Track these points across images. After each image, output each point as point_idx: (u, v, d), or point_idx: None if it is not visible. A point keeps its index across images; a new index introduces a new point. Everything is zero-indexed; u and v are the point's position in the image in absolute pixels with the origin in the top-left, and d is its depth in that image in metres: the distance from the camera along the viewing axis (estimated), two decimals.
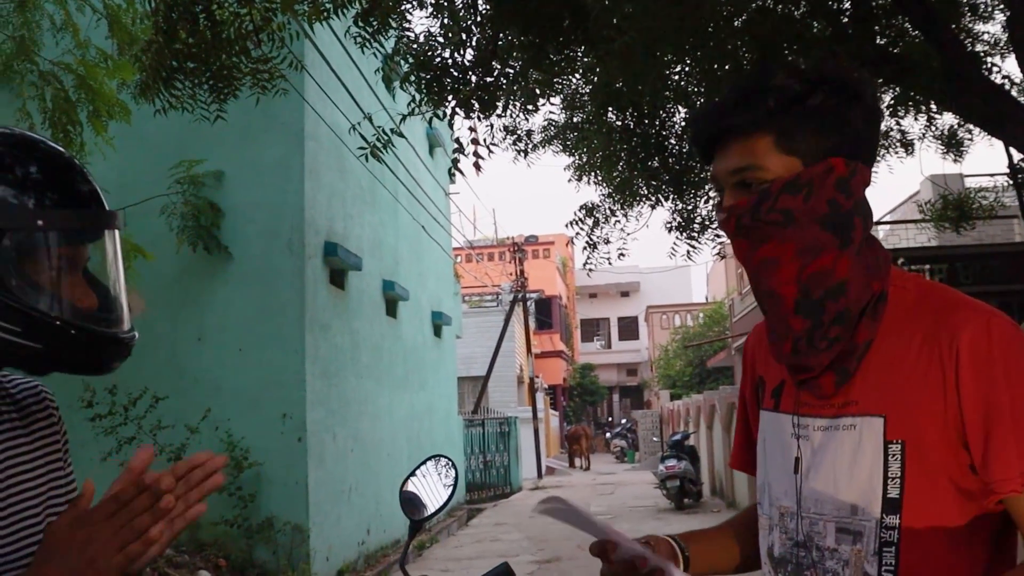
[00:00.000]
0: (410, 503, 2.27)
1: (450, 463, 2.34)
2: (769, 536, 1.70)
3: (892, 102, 9.58)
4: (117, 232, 1.63)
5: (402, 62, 7.76)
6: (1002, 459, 1.42)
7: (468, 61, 7.52)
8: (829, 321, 1.53)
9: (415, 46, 7.51)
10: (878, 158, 10.43)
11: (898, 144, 10.51)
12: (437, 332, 18.08)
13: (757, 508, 1.78)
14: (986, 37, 9.32)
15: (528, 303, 33.05)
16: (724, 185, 1.59)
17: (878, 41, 7.87)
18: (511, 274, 31.95)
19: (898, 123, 10.22)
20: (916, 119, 9.97)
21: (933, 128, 10.08)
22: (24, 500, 1.62)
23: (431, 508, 2.27)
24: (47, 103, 8.11)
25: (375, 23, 6.91)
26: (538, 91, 7.48)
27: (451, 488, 2.30)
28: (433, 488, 2.30)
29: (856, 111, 1.53)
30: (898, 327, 1.55)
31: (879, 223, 15.53)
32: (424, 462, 2.35)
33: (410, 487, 2.29)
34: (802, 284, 1.54)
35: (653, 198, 10.35)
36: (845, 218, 1.53)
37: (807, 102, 1.51)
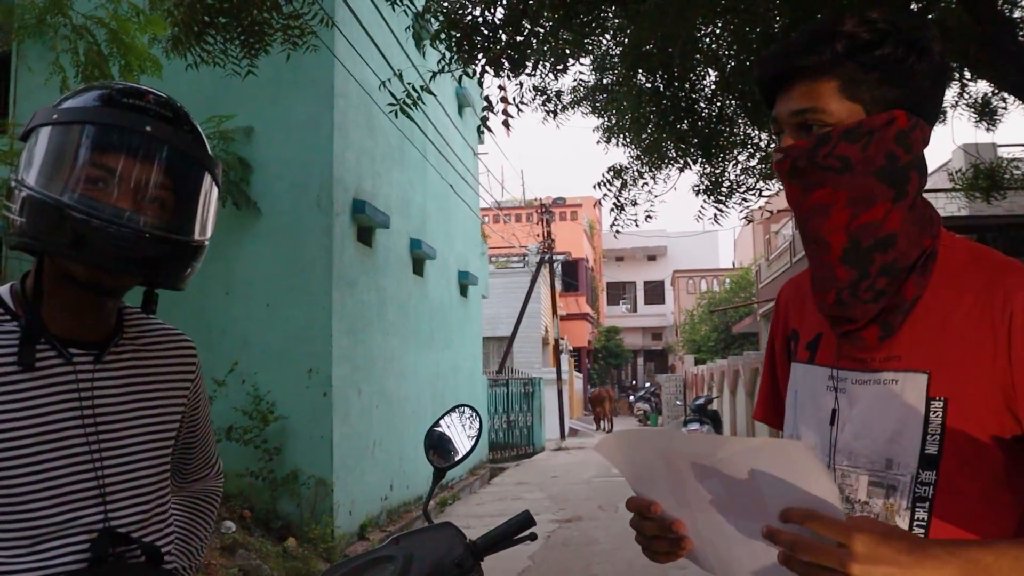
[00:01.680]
0: (435, 451, 2.32)
1: (475, 413, 2.38)
2: None
3: None
4: (207, 175, 1.72)
5: (432, 20, 7.75)
6: None
7: (498, 19, 7.49)
8: (876, 272, 1.53)
9: (445, 4, 7.50)
10: None
11: None
12: (463, 292, 18.13)
13: None
14: None
15: (554, 265, 33.03)
16: (784, 126, 1.58)
17: (912, 6, 7.78)
18: (538, 235, 31.93)
19: None
20: (949, 86, 9.85)
21: (966, 96, 9.96)
22: (133, 438, 1.74)
23: (455, 456, 2.32)
24: (80, 57, 8.17)
25: None
26: (568, 51, 7.46)
27: (475, 438, 2.34)
28: (457, 437, 2.34)
29: (923, 66, 1.51)
30: (947, 285, 1.54)
31: None
32: (449, 411, 2.39)
33: (435, 435, 2.34)
34: (851, 233, 1.53)
35: (681, 161, 10.29)
36: (902, 171, 1.52)
37: (876, 51, 1.49)
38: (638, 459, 1.54)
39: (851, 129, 1.50)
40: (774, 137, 1.65)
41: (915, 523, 1.50)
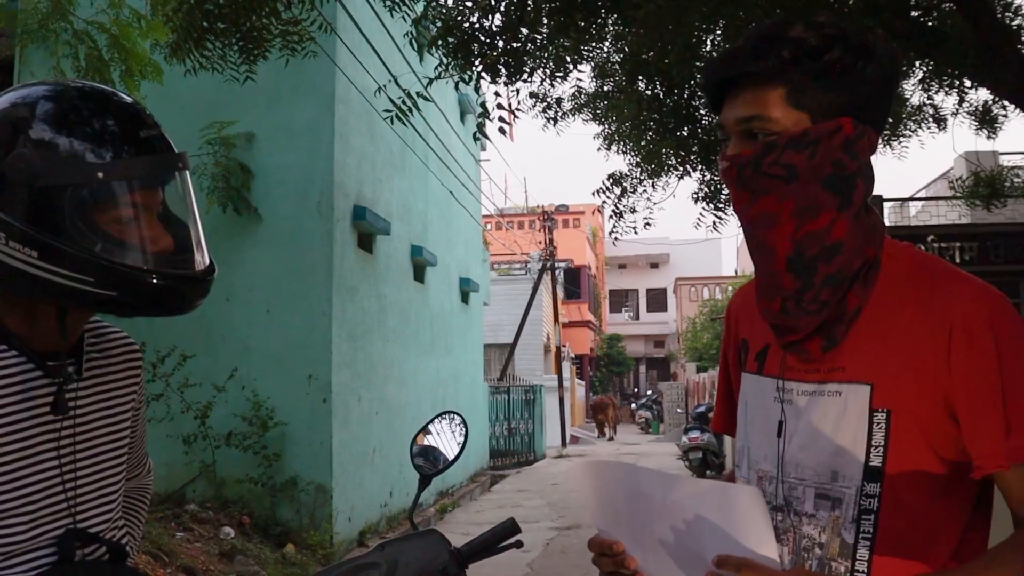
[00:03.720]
0: (421, 458, 2.32)
1: (461, 420, 2.38)
2: None
3: (924, 76, 9.47)
4: (186, 173, 1.67)
5: (431, 26, 7.77)
6: (990, 434, 1.41)
7: (496, 26, 7.51)
8: (820, 283, 1.51)
9: (443, 10, 7.50)
10: (910, 133, 10.41)
11: (930, 120, 10.39)
12: (464, 298, 18.13)
13: (735, 471, 1.77)
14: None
15: (557, 272, 33.03)
16: (730, 133, 1.57)
17: (911, 13, 7.78)
18: (540, 243, 31.91)
19: (930, 98, 10.09)
20: (948, 94, 9.80)
21: (966, 104, 9.93)
22: (103, 445, 1.74)
23: (441, 463, 2.31)
24: (81, 62, 8.18)
25: None
26: (567, 58, 7.46)
27: (461, 445, 2.33)
28: (444, 444, 2.34)
29: (871, 72, 1.49)
30: (890, 296, 1.53)
31: (911, 199, 15.40)
32: (436, 418, 2.39)
33: (422, 442, 2.34)
34: (796, 242, 1.51)
35: (681, 168, 10.30)
36: (848, 180, 1.51)
37: (823, 57, 1.47)
38: (604, 491, 1.58)
39: (797, 137, 1.49)
40: (721, 144, 1.64)
41: (860, 535, 1.49)
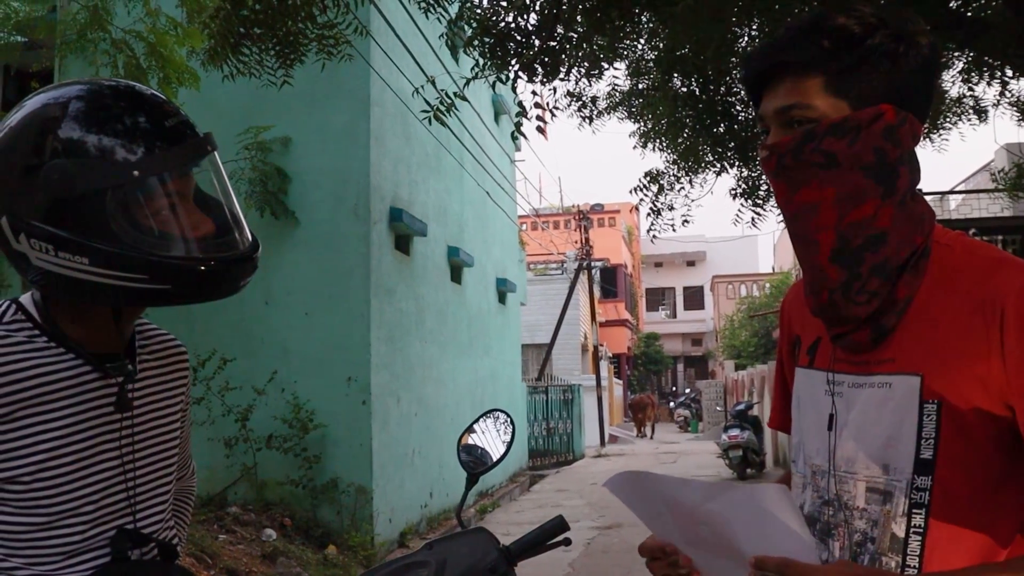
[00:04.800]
0: (468, 456, 2.31)
1: (508, 418, 2.37)
2: (802, 494, 1.67)
3: (964, 67, 9.37)
4: (214, 154, 1.67)
5: (466, 27, 7.77)
6: None
7: (531, 25, 7.51)
8: (867, 273, 1.49)
9: (479, 10, 7.51)
10: (950, 125, 10.30)
11: (971, 111, 10.28)
12: (501, 299, 18.13)
13: (792, 467, 1.75)
14: None
15: (593, 271, 32.97)
16: (770, 124, 1.55)
17: (952, 4, 7.69)
18: (576, 242, 31.86)
19: (971, 89, 9.99)
20: (990, 85, 9.70)
21: (1008, 95, 9.82)
22: (158, 444, 1.77)
23: (488, 461, 2.30)
24: (119, 71, 8.26)
25: None
26: (602, 56, 7.44)
27: (508, 443, 2.33)
28: (491, 442, 2.33)
29: (912, 59, 1.48)
30: (940, 284, 1.50)
31: (951, 192, 15.25)
32: (482, 416, 2.38)
33: (468, 440, 2.33)
34: (840, 232, 1.50)
35: (718, 165, 10.26)
36: (890, 167, 1.49)
37: (863, 45, 1.46)
38: (642, 499, 1.59)
39: (837, 124, 1.47)
40: (760, 137, 1.62)
41: (912, 529, 1.47)
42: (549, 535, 2.10)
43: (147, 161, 1.52)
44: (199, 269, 1.55)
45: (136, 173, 1.50)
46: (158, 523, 1.74)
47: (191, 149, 1.60)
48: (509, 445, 2.32)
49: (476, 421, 2.36)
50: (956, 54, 8.62)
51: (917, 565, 1.46)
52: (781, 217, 9.35)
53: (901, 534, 1.47)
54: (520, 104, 7.60)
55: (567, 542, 2.12)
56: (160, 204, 1.55)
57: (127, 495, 1.66)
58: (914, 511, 1.46)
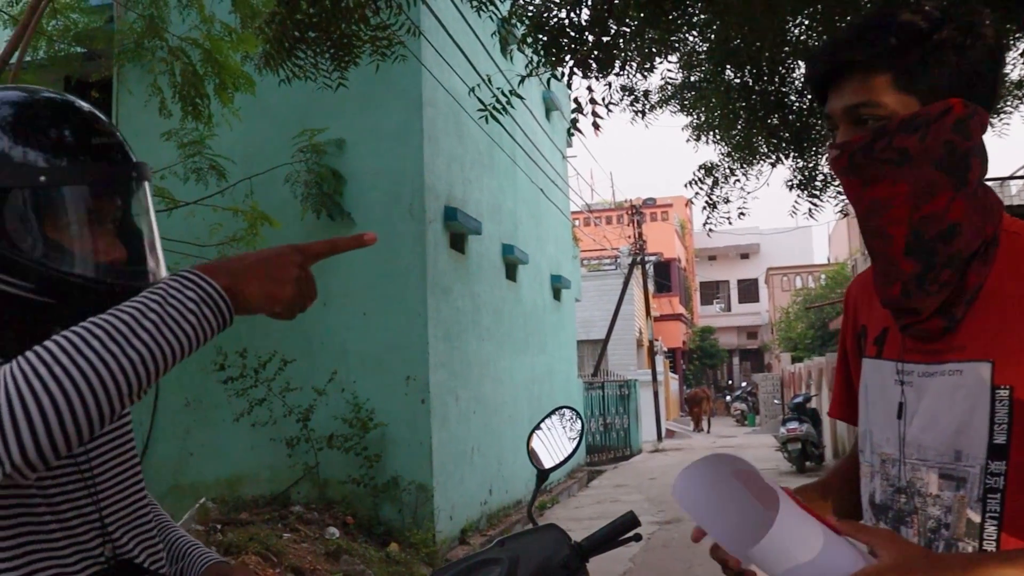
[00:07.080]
0: (537, 453, 2.32)
1: (575, 415, 2.38)
2: (871, 483, 1.69)
3: None
4: (144, 184, 1.61)
5: (518, 24, 7.78)
6: None
7: (584, 21, 7.49)
8: (941, 264, 1.51)
9: (531, 7, 7.51)
10: (1011, 109, 10.11)
11: None
12: (556, 295, 18.13)
13: (859, 456, 1.76)
14: None
15: (647, 266, 32.88)
16: (838, 123, 1.57)
17: None
18: (629, 237, 31.80)
19: None
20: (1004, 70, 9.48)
21: None
22: (118, 458, 1.67)
23: (557, 459, 2.31)
24: (176, 78, 8.39)
25: None
26: (655, 50, 7.41)
27: (576, 440, 2.34)
28: (558, 440, 2.34)
29: (978, 51, 1.49)
30: (1009, 272, 1.51)
31: (1011, 178, 14.98)
32: (550, 414, 2.39)
33: (537, 439, 2.34)
34: (914, 225, 1.51)
35: (773, 156, 10.16)
36: (961, 160, 1.50)
37: (929, 40, 1.48)
38: (719, 481, 1.54)
39: (908, 120, 1.48)
40: (829, 134, 1.64)
41: (987, 514, 1.48)
42: (620, 531, 2.10)
43: (58, 170, 1.47)
44: (88, 289, 1.48)
45: (43, 179, 1.45)
46: (142, 542, 1.64)
47: (114, 171, 1.56)
48: (578, 442, 2.33)
49: (544, 419, 2.37)
50: (1017, 35, 8.46)
51: (994, 549, 1.47)
52: (840, 209, 9.26)
53: (977, 519, 1.49)
54: (576, 101, 7.58)
55: (638, 538, 2.13)
56: (67, 218, 1.49)
57: (96, 510, 1.56)
58: (989, 496, 1.48)
